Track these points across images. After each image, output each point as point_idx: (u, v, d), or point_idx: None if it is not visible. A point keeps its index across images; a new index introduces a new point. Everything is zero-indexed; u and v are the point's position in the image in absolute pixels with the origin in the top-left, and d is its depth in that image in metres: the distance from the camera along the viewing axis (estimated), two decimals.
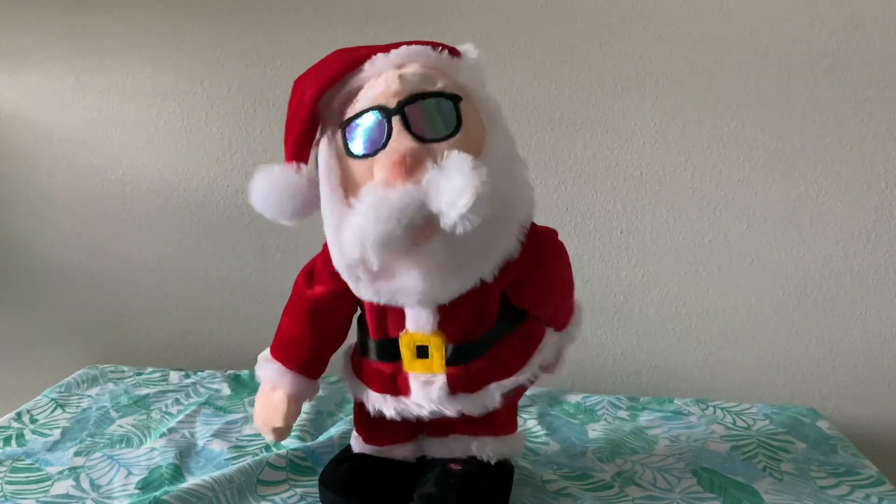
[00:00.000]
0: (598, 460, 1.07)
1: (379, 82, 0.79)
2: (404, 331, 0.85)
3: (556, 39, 1.45)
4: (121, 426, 1.16)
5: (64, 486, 0.95)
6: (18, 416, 1.18)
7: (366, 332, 0.91)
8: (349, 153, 0.79)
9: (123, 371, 1.43)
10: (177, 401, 1.28)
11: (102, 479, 0.98)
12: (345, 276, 0.81)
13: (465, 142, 0.77)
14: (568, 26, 1.44)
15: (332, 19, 1.47)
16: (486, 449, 0.92)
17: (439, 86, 0.79)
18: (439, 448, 0.94)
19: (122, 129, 1.54)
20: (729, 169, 1.46)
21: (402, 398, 0.88)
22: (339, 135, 0.80)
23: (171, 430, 1.13)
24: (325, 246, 0.85)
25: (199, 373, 1.43)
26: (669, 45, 1.43)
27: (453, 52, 0.84)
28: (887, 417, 1.50)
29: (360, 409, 0.96)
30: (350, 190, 0.78)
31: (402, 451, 0.96)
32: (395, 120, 0.77)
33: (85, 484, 0.96)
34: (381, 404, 0.89)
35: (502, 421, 0.94)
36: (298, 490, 0.95)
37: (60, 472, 0.99)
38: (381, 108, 0.78)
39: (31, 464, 1.02)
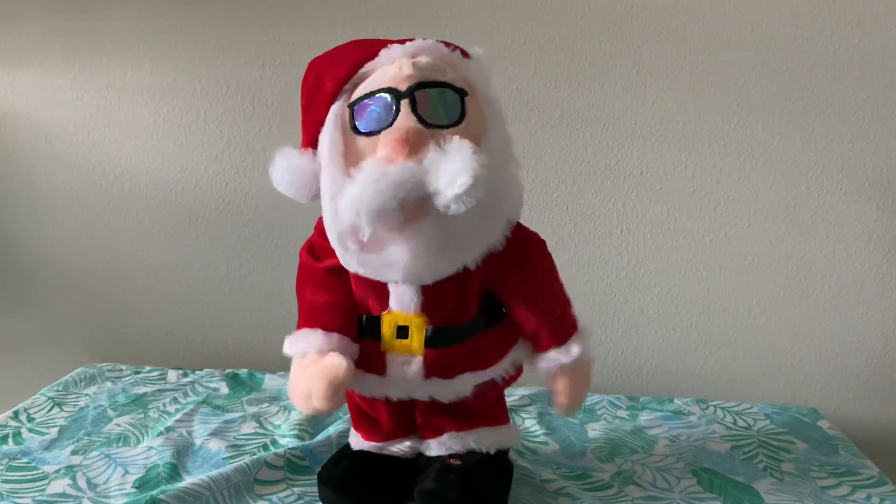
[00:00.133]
0: (597, 460, 1.07)
1: (392, 67, 0.82)
2: (387, 310, 0.86)
3: (556, 38, 1.44)
4: (118, 425, 1.16)
5: (61, 485, 0.95)
6: (15, 415, 1.17)
7: None
8: (355, 130, 0.81)
9: (121, 370, 1.43)
10: (174, 399, 1.27)
11: (99, 477, 0.97)
12: (334, 244, 0.82)
13: (467, 133, 0.79)
14: (568, 24, 1.44)
15: (330, 18, 1.47)
16: (485, 440, 0.92)
17: (448, 77, 0.82)
18: (435, 447, 0.94)
19: (121, 127, 1.54)
20: (730, 168, 1.45)
21: (376, 376, 0.88)
22: (346, 112, 0.82)
23: (168, 429, 1.13)
24: (319, 221, 0.85)
25: (198, 371, 1.42)
26: (670, 43, 1.43)
27: (464, 53, 0.87)
28: (889, 417, 1.50)
29: (357, 406, 0.96)
30: (351, 162, 0.79)
31: (401, 447, 0.96)
32: (404, 102, 0.79)
33: (82, 483, 0.96)
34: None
35: (494, 412, 0.96)
36: (296, 489, 0.95)
37: (57, 471, 0.99)
38: (391, 91, 0.80)
39: (28, 462, 1.02)
